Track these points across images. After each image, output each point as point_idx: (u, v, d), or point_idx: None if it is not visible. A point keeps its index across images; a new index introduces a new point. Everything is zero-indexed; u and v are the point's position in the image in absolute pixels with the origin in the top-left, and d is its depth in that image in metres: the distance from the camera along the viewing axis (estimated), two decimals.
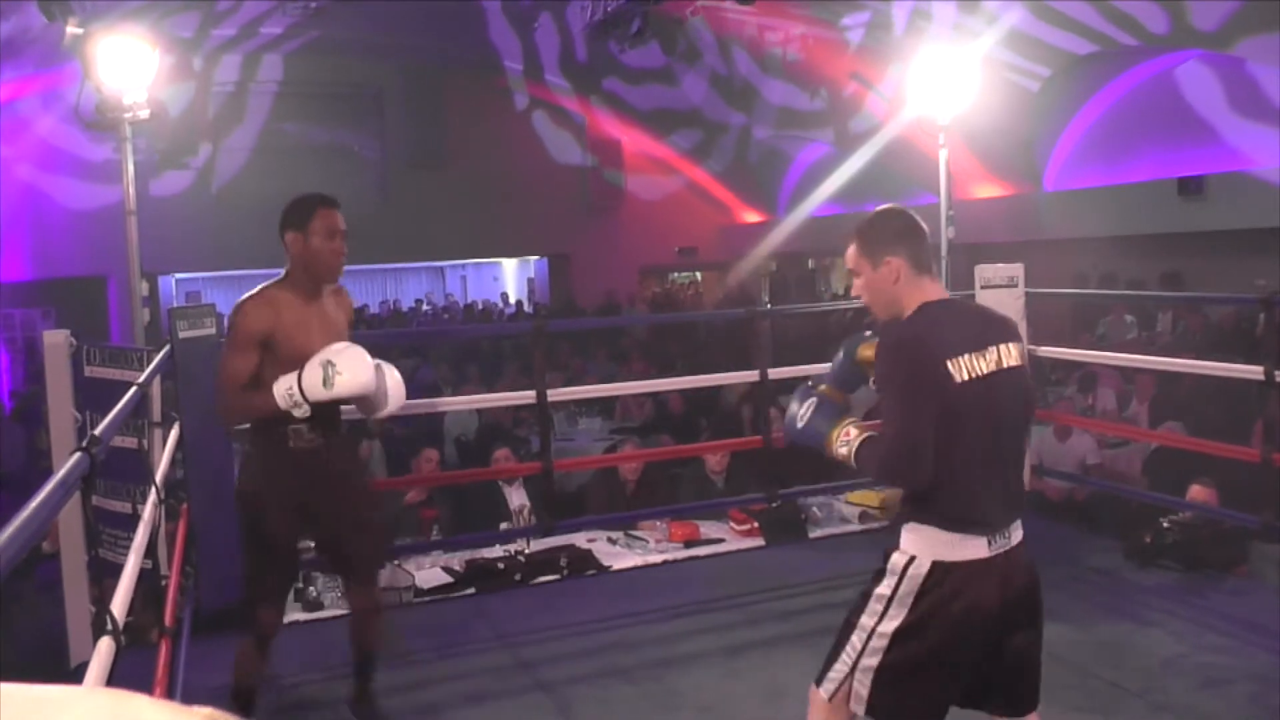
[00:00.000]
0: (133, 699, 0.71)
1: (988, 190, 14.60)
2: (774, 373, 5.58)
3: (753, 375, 5.65)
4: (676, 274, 24.10)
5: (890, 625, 2.50)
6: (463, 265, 25.87)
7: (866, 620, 2.53)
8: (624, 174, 21.25)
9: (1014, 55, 12.50)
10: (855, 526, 5.68)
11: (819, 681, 2.61)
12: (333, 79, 18.62)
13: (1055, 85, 12.95)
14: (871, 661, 2.51)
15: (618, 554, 5.30)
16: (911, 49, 11.52)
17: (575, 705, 3.82)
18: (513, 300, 22.35)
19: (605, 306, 18.61)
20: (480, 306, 21.93)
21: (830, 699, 2.57)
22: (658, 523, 5.47)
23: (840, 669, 2.56)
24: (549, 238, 20.80)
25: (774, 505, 5.49)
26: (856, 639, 2.54)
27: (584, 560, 5.17)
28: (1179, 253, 12.50)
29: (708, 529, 5.51)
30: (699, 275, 24.05)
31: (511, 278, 24.97)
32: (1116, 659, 4.04)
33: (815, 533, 5.61)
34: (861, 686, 2.52)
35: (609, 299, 19.02)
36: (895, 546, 2.57)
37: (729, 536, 5.48)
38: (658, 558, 5.25)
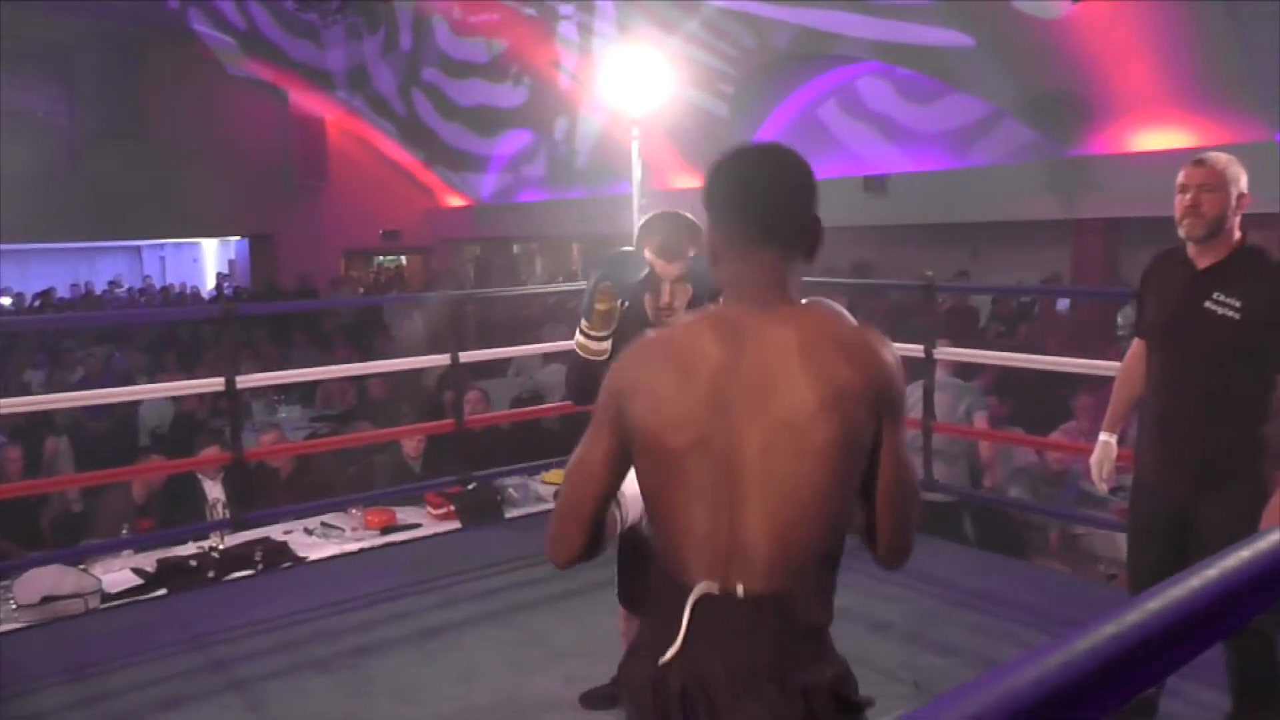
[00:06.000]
0: None
1: (688, 182, 15.21)
2: (464, 356, 5.72)
3: (443, 359, 5.75)
4: (381, 257, 23.78)
5: None
6: (161, 245, 24.66)
7: None
8: (328, 153, 20.81)
9: (712, 54, 13.18)
10: (551, 505, 5.84)
11: None
12: (11, 33, 16.54)
13: (752, 83, 13.67)
14: None
15: (314, 544, 5.28)
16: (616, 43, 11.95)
17: (269, 701, 3.80)
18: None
19: (302, 290, 18.16)
20: (179, 289, 21.02)
21: None
22: (353, 510, 5.48)
23: None
24: (250, 217, 20.09)
25: (470, 487, 5.62)
26: None
27: (279, 553, 5.12)
28: (867, 243, 13.46)
29: (405, 514, 5.55)
30: (404, 259, 23.82)
31: (212, 259, 23.98)
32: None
33: (512, 513, 5.75)
34: None
35: (304, 282, 18.55)
36: None
37: (426, 521, 5.55)
38: (354, 546, 5.26)
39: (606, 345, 2.97)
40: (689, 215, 2.96)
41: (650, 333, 1.80)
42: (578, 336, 2.99)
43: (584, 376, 3.03)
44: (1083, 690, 0.72)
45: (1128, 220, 10.68)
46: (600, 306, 2.87)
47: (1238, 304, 2.99)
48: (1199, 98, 9.42)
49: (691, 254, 2.89)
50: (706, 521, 1.66)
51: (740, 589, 1.64)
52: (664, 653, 1.70)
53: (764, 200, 1.72)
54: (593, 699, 3.63)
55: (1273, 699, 3.14)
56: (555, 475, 6.03)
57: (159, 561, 4.96)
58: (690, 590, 1.67)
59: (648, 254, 2.91)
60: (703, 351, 1.68)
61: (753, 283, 1.71)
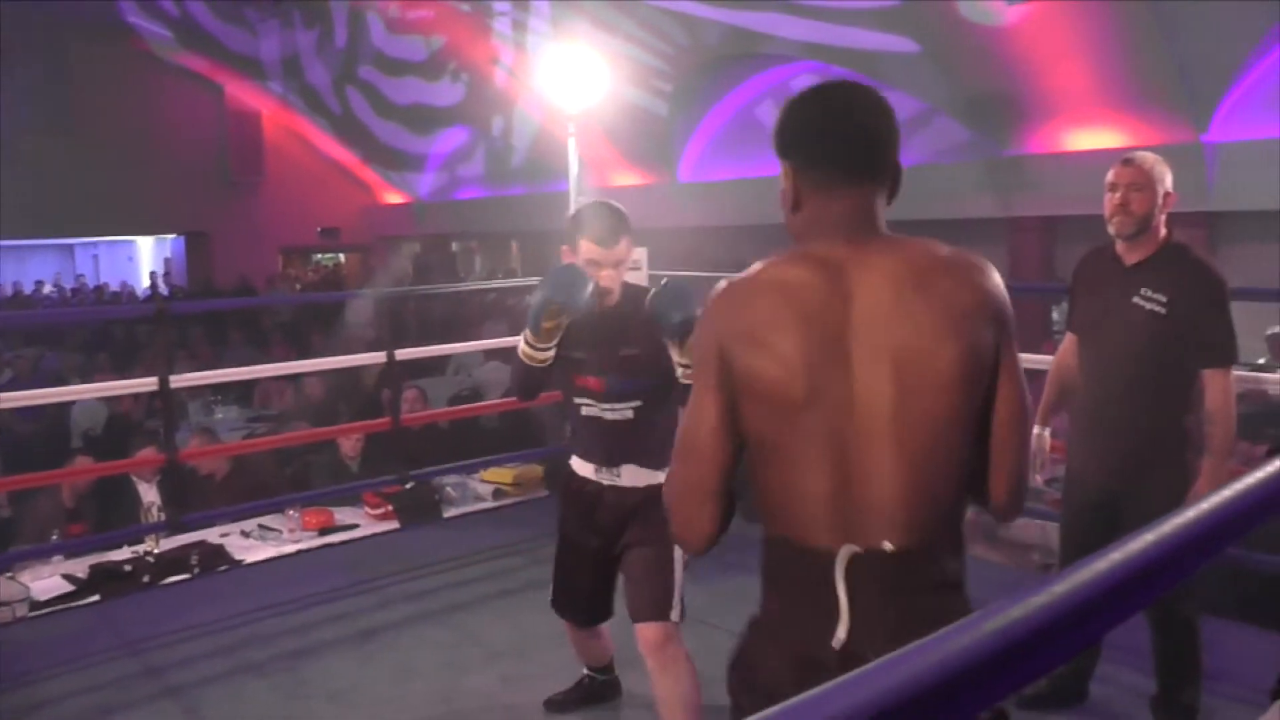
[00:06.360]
0: None
1: (626, 179, 15.25)
2: (401, 353, 5.70)
3: (379, 357, 5.72)
4: (320, 255, 23.57)
5: None
6: (94, 244, 24.24)
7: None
8: (264, 149, 20.56)
9: (647, 52, 13.25)
10: (489, 504, 5.85)
11: (665, 615, 2.96)
12: None
13: (690, 81, 13.75)
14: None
15: (251, 547, 5.21)
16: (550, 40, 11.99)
17: (204, 707, 3.75)
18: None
19: (240, 288, 17.98)
20: (115, 289, 20.70)
21: (680, 619, 2.97)
22: (291, 512, 5.42)
23: (677, 590, 2.97)
24: (186, 214, 19.77)
25: (408, 487, 5.59)
26: (678, 555, 2.98)
27: (216, 556, 5.05)
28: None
29: (342, 515, 5.49)
30: (342, 257, 23.63)
31: (148, 257, 23.63)
32: (733, 608, 4.38)
33: (450, 512, 5.71)
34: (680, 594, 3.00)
35: (243, 281, 18.35)
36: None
37: (364, 521, 5.51)
38: (292, 548, 5.20)
39: (550, 354, 3.00)
40: (617, 204, 3.04)
41: (743, 275, 1.63)
42: (522, 345, 3.00)
43: (529, 377, 3.06)
44: (985, 671, 0.73)
45: (1062, 218, 10.85)
46: (547, 324, 2.90)
47: (1164, 299, 3.07)
48: (1129, 100, 9.61)
49: (624, 242, 2.96)
50: (834, 475, 1.53)
51: (887, 544, 1.52)
52: (805, 627, 1.58)
53: (857, 134, 1.62)
54: (555, 703, 3.64)
55: (1194, 680, 3.24)
56: (493, 473, 6.01)
57: (91, 567, 4.86)
58: (822, 555, 1.54)
59: (584, 242, 2.96)
60: (811, 290, 1.55)
61: (845, 218, 1.61)
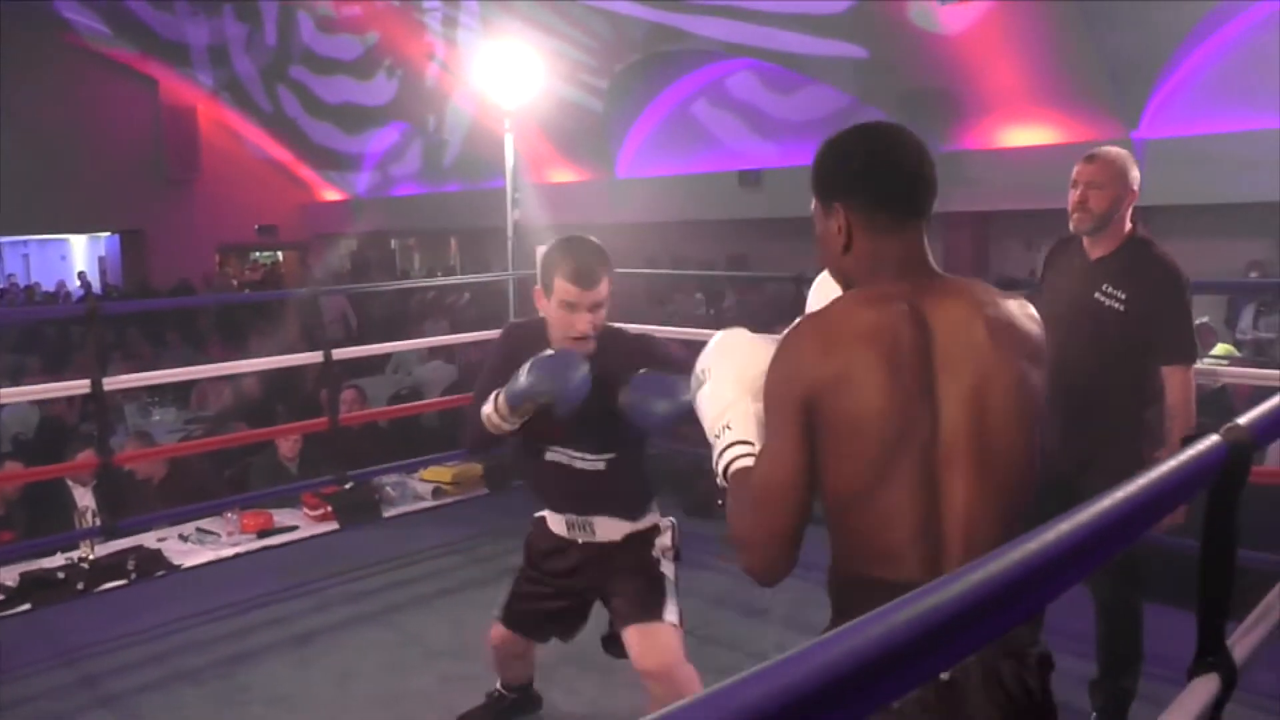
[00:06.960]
0: None
1: (564, 175, 15.26)
2: (338, 353, 5.66)
3: (316, 356, 5.64)
4: (258, 253, 23.29)
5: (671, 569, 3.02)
6: (24, 242, 23.74)
7: (666, 570, 3.00)
8: (199, 145, 20.27)
9: (580, 49, 13.28)
10: (429, 503, 5.84)
11: (661, 616, 2.91)
12: None
13: (626, 79, 13.77)
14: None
15: (189, 551, 5.15)
16: (486, 36, 11.96)
17: (142, 716, 3.69)
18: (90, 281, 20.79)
19: (178, 287, 17.72)
20: (51, 289, 20.31)
21: (679, 621, 2.93)
22: (229, 514, 5.37)
23: (671, 598, 2.94)
24: (121, 211, 19.43)
25: (347, 487, 5.55)
26: (669, 586, 2.97)
27: (153, 561, 4.97)
28: (743, 237, 13.67)
29: (281, 517, 5.45)
30: (280, 255, 23.36)
31: (81, 257, 23.20)
32: (690, 608, 4.39)
33: (389, 512, 5.70)
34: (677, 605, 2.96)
35: (181, 281, 18.09)
36: (646, 524, 3.02)
37: (303, 522, 5.46)
38: (230, 551, 5.15)
39: (518, 424, 2.79)
40: (594, 239, 2.84)
41: (818, 316, 1.66)
42: (490, 411, 2.77)
43: (488, 439, 2.88)
44: (916, 648, 0.76)
45: (995, 213, 11.00)
46: (529, 406, 2.68)
47: (1123, 296, 3.10)
48: (1061, 98, 9.79)
49: (605, 282, 2.75)
50: (923, 510, 1.56)
51: None
52: None
53: (916, 175, 1.67)
54: (472, 716, 3.52)
55: (1134, 664, 3.30)
56: (432, 472, 5.98)
57: (21, 575, 4.75)
58: (916, 588, 1.54)
59: (559, 282, 2.74)
60: (895, 330, 1.58)
61: (905, 257, 1.66)
